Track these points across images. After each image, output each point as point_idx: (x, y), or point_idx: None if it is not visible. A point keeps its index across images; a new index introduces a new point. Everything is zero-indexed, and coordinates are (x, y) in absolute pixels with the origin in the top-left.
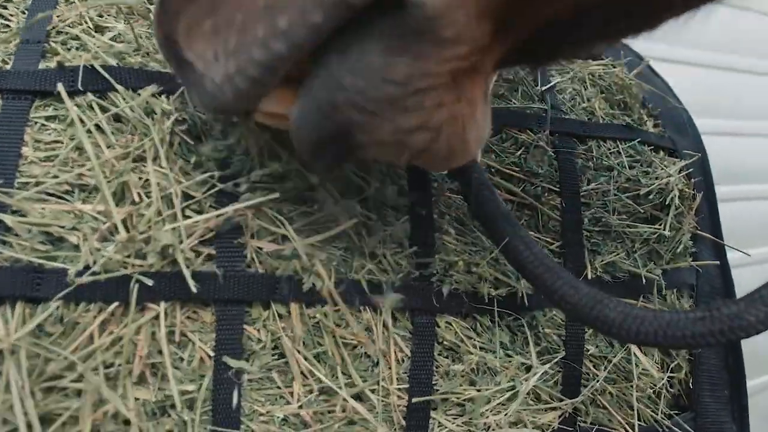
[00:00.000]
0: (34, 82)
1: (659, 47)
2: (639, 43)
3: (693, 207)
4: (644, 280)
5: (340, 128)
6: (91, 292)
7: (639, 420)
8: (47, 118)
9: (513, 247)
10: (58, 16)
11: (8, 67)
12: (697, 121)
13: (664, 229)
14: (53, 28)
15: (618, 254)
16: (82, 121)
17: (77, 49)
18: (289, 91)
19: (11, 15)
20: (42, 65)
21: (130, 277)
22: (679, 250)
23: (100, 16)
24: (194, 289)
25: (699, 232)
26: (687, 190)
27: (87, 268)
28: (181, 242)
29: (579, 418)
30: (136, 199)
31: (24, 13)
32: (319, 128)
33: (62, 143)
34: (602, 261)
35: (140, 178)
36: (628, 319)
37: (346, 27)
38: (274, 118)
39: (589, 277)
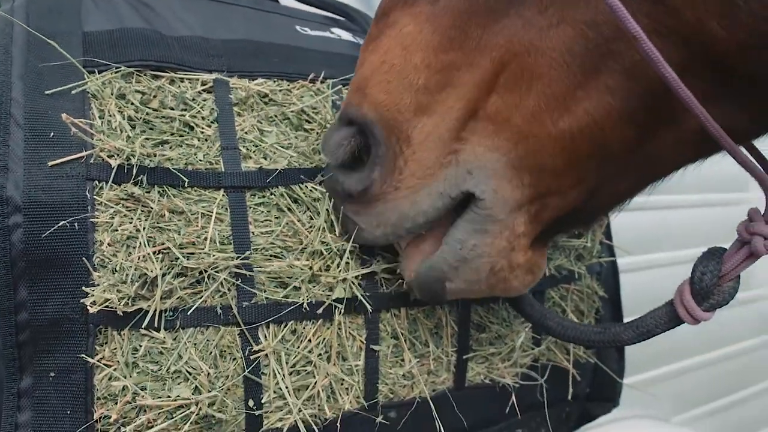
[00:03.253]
0: (247, 180)
1: None
2: None
3: (603, 226)
4: (576, 273)
5: (438, 279)
6: (312, 314)
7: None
8: (256, 204)
9: None
10: (238, 125)
11: (220, 167)
12: None
13: (587, 243)
14: (239, 137)
15: (561, 260)
16: (289, 208)
17: (255, 149)
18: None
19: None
20: (243, 166)
21: (330, 303)
22: (594, 253)
23: (260, 122)
24: (370, 308)
25: (604, 241)
26: None
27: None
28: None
29: None
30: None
31: (210, 125)
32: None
33: (270, 221)
34: (554, 264)
35: (323, 242)
36: (559, 327)
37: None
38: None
39: (547, 274)
